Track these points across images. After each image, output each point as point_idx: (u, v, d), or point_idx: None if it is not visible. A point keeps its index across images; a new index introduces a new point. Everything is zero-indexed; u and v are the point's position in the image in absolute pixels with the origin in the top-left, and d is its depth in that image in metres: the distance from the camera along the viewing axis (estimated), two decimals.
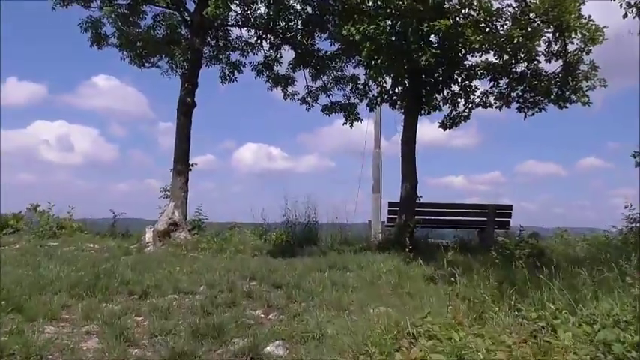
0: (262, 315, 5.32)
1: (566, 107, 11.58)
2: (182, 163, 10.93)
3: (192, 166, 11.19)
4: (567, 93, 11.31)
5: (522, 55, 10.40)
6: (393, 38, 9.63)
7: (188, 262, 8.40)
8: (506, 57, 10.70)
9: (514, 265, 8.27)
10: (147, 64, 13.12)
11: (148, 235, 10.21)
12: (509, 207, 12.12)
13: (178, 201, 10.68)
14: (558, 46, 10.36)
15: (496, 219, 11.83)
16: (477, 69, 11.63)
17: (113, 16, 11.97)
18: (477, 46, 9.40)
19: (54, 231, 10.58)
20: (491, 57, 11.02)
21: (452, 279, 7.06)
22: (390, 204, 11.82)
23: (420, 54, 9.30)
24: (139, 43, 12.60)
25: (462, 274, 7.80)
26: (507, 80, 11.74)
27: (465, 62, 11.28)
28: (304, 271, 7.24)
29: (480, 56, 11.20)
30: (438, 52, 9.26)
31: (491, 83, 11.94)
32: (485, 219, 11.79)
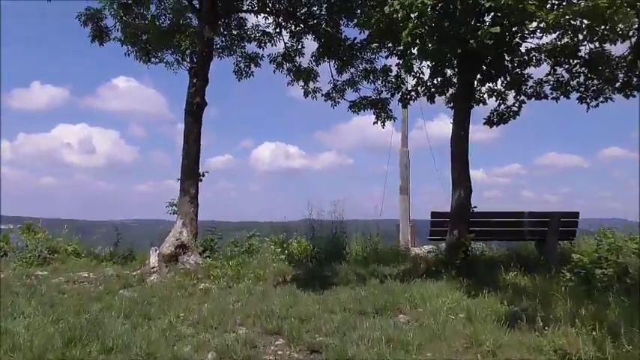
0: None
1: (634, 96, 9.85)
2: (191, 173, 9.30)
3: (202, 175, 9.57)
4: (635, 80, 9.60)
5: (598, 35, 8.57)
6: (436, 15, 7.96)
7: (197, 299, 6.80)
8: (572, 38, 8.95)
9: (608, 294, 6.68)
10: (153, 60, 11.58)
11: (153, 260, 8.65)
12: (576, 214, 10.27)
13: (187, 218, 9.08)
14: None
15: (560, 228, 10.04)
16: (532, 54, 9.93)
17: (115, 6, 10.43)
18: (546, 25, 7.59)
19: (44, 257, 9.08)
20: (547, 39, 9.41)
21: (540, 323, 5.43)
22: (435, 214, 10.06)
23: (476, 33, 7.58)
24: (143, 37, 11.08)
25: (544, 311, 6.19)
26: (567, 67, 9.98)
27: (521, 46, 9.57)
28: (345, 318, 5.54)
29: (541, 38, 9.50)
30: (498, 30, 7.49)
31: (549, 70, 10.23)
32: (545, 229, 10.00)
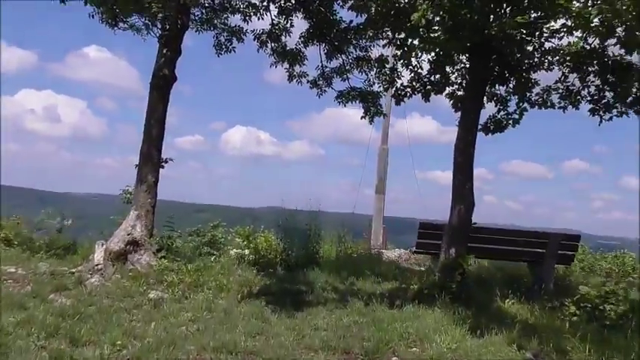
0: None
1: None
2: (150, 158, 7.96)
3: (165, 161, 8.24)
4: None
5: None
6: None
7: (144, 315, 5.55)
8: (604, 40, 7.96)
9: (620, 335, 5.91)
10: (121, 25, 10.10)
11: (98, 256, 7.33)
12: (577, 237, 9.42)
13: (142, 210, 7.74)
14: None
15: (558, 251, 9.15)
16: (545, 57, 8.96)
17: None
18: (581, 22, 6.56)
19: None
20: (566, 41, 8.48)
21: None
22: (424, 225, 9.03)
23: (499, 21, 6.54)
24: None
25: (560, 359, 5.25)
26: (581, 75, 9.06)
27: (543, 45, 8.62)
28: None
29: (561, 39, 8.53)
30: (526, 19, 6.42)
31: (560, 77, 9.30)
32: (542, 250, 9.08)
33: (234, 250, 9.81)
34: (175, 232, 8.56)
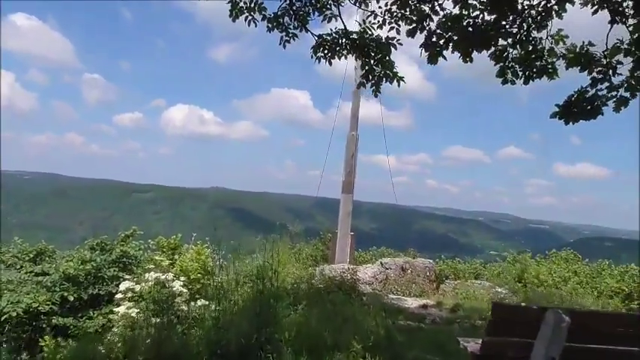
0: None
1: None
2: None
3: None
4: None
5: None
6: None
7: None
8: None
9: None
10: None
11: None
12: None
13: None
14: None
15: None
16: None
17: None
18: None
19: None
20: None
21: None
22: (499, 310, 4.54)
23: None
24: None
25: None
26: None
27: None
28: None
29: None
30: None
31: None
32: None
33: (152, 273, 7.45)
34: None
